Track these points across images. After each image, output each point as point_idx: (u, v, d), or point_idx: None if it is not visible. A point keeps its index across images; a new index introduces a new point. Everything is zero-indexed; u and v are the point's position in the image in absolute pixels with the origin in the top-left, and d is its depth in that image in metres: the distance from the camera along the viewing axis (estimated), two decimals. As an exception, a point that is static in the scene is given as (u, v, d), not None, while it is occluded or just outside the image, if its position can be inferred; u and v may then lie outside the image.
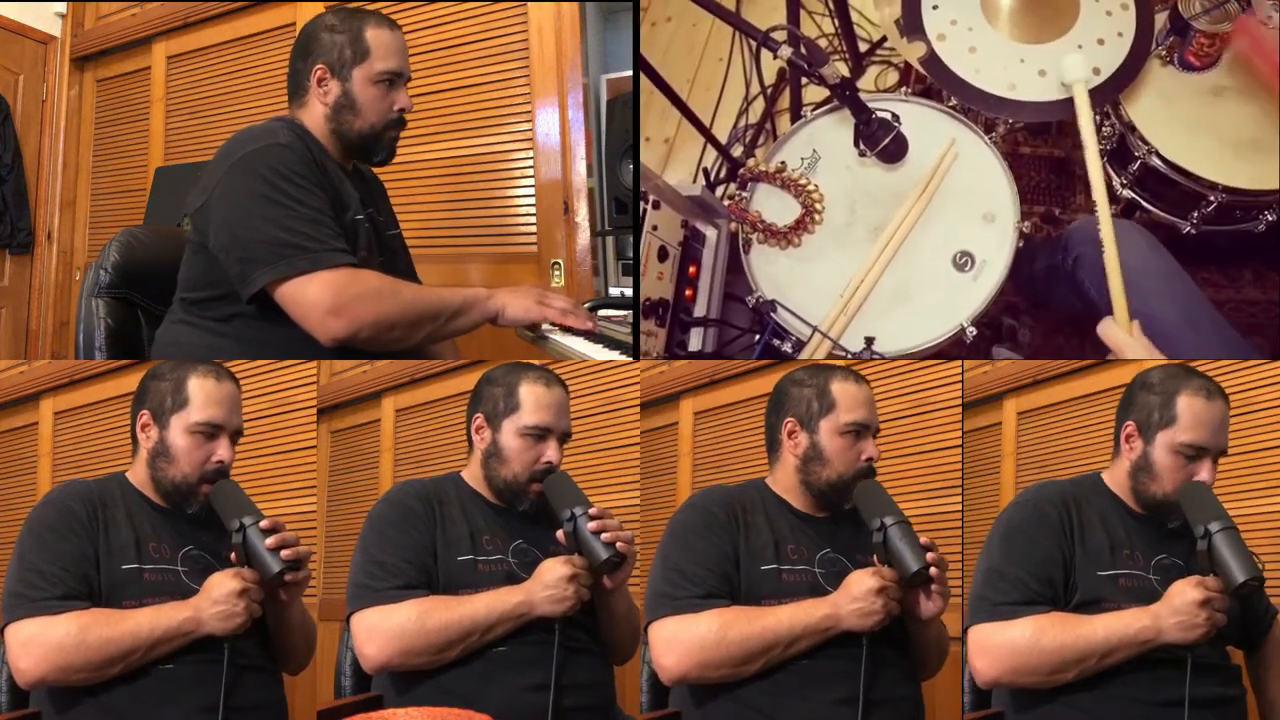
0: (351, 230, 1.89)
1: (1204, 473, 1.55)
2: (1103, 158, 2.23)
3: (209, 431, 1.58)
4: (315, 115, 1.94)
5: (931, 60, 2.08)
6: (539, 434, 1.66)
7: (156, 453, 1.59)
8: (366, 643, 1.57)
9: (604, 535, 1.55)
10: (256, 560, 1.50)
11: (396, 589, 1.58)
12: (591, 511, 1.56)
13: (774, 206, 2.06)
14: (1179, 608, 1.46)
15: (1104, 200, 1.82)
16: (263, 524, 1.50)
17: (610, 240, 3.25)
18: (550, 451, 1.66)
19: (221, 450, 1.58)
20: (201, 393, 1.58)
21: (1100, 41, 2.10)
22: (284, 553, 1.49)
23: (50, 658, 1.46)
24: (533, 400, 1.67)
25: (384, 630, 1.56)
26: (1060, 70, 2.02)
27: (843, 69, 2.54)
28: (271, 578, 1.49)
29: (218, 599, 1.49)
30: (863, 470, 1.63)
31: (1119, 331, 1.73)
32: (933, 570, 1.52)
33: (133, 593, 1.52)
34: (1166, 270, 1.95)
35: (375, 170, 2.18)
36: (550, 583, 1.56)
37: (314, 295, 1.75)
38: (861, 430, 1.64)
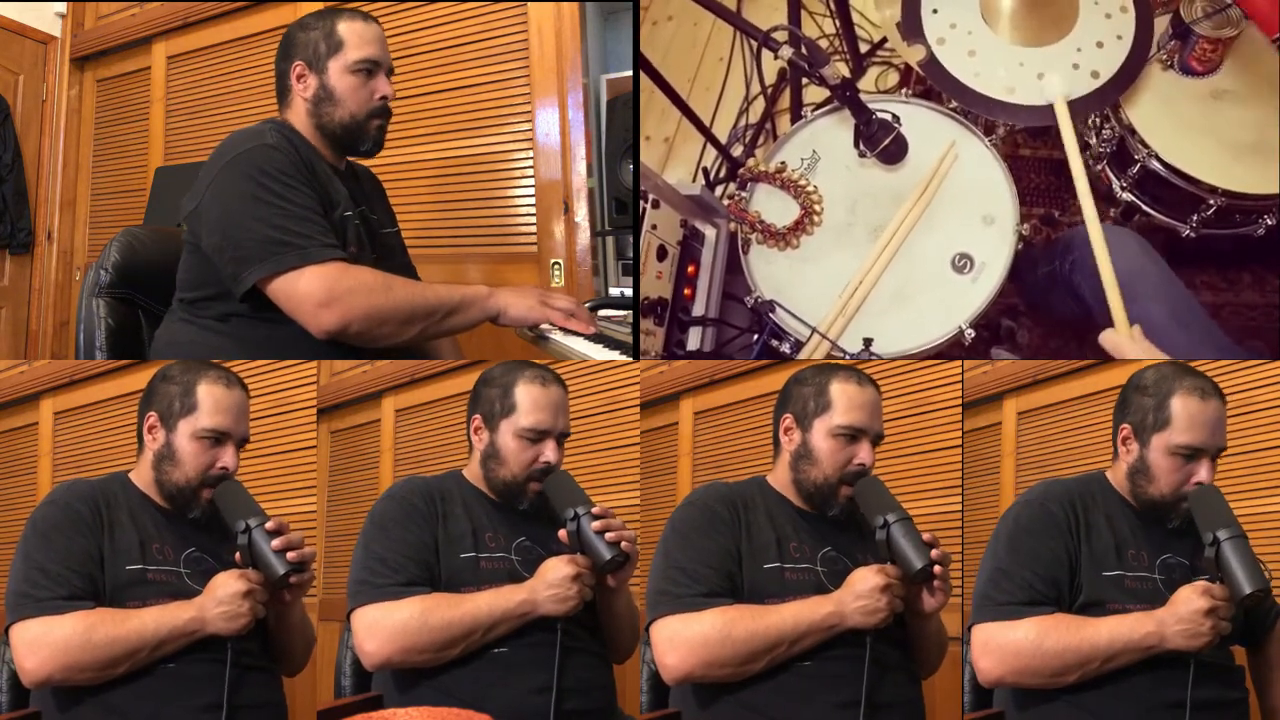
0: (340, 228, 1.89)
1: (1202, 473, 1.54)
2: (1100, 163, 2.24)
3: (215, 438, 1.58)
4: (300, 114, 1.96)
5: (931, 64, 2.08)
6: (536, 435, 1.65)
7: (162, 455, 1.59)
8: (367, 639, 1.56)
9: (608, 535, 1.55)
10: (262, 561, 1.49)
11: (399, 585, 1.57)
12: (595, 511, 1.56)
13: (773, 207, 2.06)
14: (1184, 616, 1.45)
15: (1093, 215, 1.83)
16: (268, 525, 1.50)
17: (610, 240, 3.24)
18: (548, 452, 1.65)
19: (226, 457, 1.58)
20: (210, 399, 1.58)
21: (1099, 44, 2.10)
22: (289, 554, 1.49)
23: (56, 657, 1.45)
24: (529, 401, 1.66)
25: (385, 627, 1.55)
26: (1043, 88, 2.04)
27: (843, 70, 2.53)
28: (277, 579, 1.49)
29: (223, 599, 1.49)
30: (852, 475, 1.61)
31: (1121, 339, 1.75)
32: (936, 567, 1.51)
33: (137, 593, 1.52)
34: (1158, 274, 1.96)
35: (375, 169, 2.18)
36: (554, 582, 1.55)
37: (305, 288, 1.76)
38: (856, 434, 1.61)
